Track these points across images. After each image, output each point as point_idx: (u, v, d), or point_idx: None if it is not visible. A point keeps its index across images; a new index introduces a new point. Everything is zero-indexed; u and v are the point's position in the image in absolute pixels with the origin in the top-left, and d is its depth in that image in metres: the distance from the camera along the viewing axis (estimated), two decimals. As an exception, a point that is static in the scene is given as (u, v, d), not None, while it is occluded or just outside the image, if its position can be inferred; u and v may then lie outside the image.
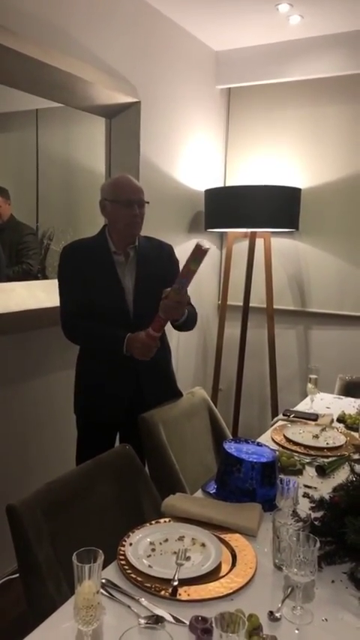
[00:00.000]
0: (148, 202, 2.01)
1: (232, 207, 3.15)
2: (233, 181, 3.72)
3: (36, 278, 3.00)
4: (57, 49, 2.26)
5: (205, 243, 1.81)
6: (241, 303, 3.42)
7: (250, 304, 3.40)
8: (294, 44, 3.28)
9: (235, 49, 3.46)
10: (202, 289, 3.62)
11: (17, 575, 1.24)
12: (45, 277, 3.03)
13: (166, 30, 3.01)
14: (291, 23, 3.01)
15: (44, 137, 3.52)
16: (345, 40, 3.15)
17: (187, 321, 2.04)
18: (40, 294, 2.48)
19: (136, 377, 2.03)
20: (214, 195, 3.27)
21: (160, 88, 3.00)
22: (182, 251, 3.34)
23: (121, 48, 2.65)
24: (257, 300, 3.50)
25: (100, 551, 0.94)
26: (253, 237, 3.34)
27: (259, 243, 3.40)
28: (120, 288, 2.01)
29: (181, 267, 1.93)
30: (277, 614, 1.03)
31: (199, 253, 1.80)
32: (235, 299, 3.52)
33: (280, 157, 3.56)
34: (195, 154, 3.40)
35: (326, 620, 1.04)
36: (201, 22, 3.08)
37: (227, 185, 3.72)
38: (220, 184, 3.72)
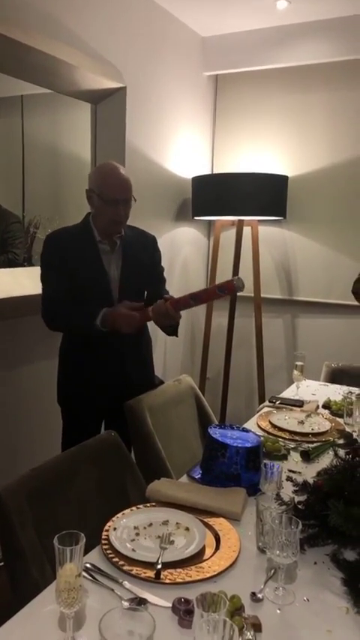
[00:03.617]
0: (135, 200, 1.99)
1: (219, 195, 3.14)
2: (221, 169, 3.70)
3: (22, 266, 2.97)
4: (42, 33, 2.22)
5: (241, 283, 1.77)
6: (228, 292, 3.41)
7: (238, 293, 3.39)
8: (281, 30, 3.26)
9: (222, 34, 3.43)
10: (189, 278, 3.61)
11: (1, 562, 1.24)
12: (31, 265, 3.01)
13: (153, 15, 2.97)
14: (278, 8, 2.99)
15: (30, 124, 3.47)
16: (332, 27, 3.13)
17: (175, 330, 2.05)
18: (25, 281, 2.46)
19: (121, 364, 2.02)
20: (202, 183, 3.26)
21: (147, 73, 2.96)
22: (170, 239, 3.35)
23: (106, 32, 2.62)
24: (245, 288, 3.49)
25: (82, 534, 0.94)
26: (240, 226, 3.33)
27: (247, 231, 3.39)
28: (106, 277, 1.99)
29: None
30: (260, 595, 1.04)
31: (229, 287, 1.76)
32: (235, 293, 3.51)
33: (267, 144, 3.55)
34: (182, 141, 3.38)
35: (308, 600, 1.05)
36: (188, 8, 3.04)
37: (215, 173, 3.71)
38: (208, 172, 3.71)
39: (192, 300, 1.81)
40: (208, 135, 3.70)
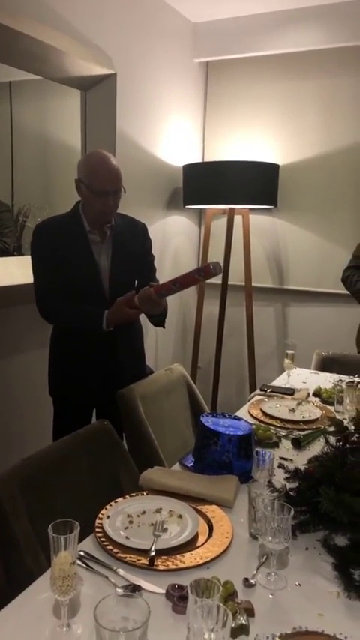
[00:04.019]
0: (125, 191, 1.97)
1: (210, 183, 3.13)
2: (212, 157, 3.68)
3: (12, 255, 2.95)
4: (30, 18, 2.19)
5: (218, 266, 1.78)
6: (219, 281, 3.42)
7: (229, 282, 3.40)
8: (273, 16, 3.23)
9: (213, 20, 3.39)
10: (181, 267, 3.60)
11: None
12: (21, 254, 2.98)
13: (143, 0, 2.93)
14: (270, -6, 2.96)
15: (18, 111, 3.42)
16: (324, 13, 3.11)
17: (164, 319, 2.05)
18: (16, 270, 2.44)
19: (113, 353, 2.02)
20: (193, 171, 3.24)
21: (137, 60, 2.93)
22: (161, 228, 3.34)
23: (96, 17, 2.58)
24: (236, 277, 3.50)
25: (77, 523, 0.94)
26: (231, 214, 3.32)
27: (238, 220, 3.39)
28: (96, 267, 1.98)
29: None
30: (252, 581, 1.05)
31: (206, 270, 1.78)
32: (214, 277, 3.51)
33: (258, 132, 3.53)
34: (173, 129, 3.35)
35: (300, 584, 1.06)
36: (178, -8, 3.01)
37: (206, 161, 3.69)
38: (199, 160, 3.69)
39: (174, 285, 1.82)
40: (199, 122, 3.67)
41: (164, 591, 1.02)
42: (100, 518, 1.24)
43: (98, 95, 2.79)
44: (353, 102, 3.26)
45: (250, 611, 0.96)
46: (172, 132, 3.34)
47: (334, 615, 0.98)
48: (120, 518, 1.26)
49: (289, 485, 1.29)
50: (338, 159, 3.33)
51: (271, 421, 1.89)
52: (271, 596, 1.03)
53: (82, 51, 2.47)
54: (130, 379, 2.00)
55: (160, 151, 3.25)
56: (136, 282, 2.12)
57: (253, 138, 3.54)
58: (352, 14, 3.05)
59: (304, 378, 2.45)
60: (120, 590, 1.00)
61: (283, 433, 1.79)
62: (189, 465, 1.55)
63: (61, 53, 2.35)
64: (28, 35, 2.15)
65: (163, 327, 2.13)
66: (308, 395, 2.20)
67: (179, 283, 1.82)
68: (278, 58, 3.38)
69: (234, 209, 3.31)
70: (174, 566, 1.09)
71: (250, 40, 3.32)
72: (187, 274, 1.81)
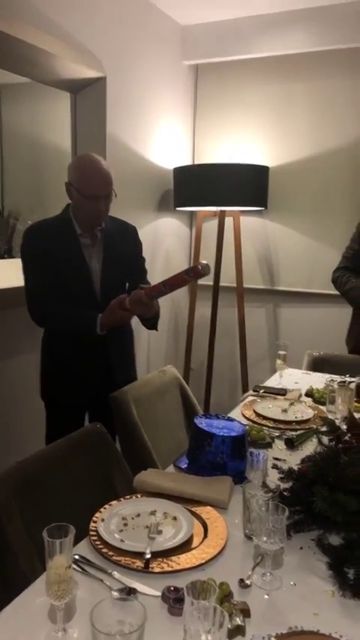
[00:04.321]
0: (116, 195, 1.96)
1: (201, 185, 3.14)
2: (202, 159, 3.70)
3: (2, 258, 2.94)
4: (20, 21, 2.18)
5: (206, 267, 1.79)
6: (211, 283, 3.43)
7: (221, 283, 3.41)
8: (262, 19, 3.25)
9: (202, 23, 3.41)
10: (172, 269, 3.60)
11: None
12: (11, 257, 2.98)
13: (132, 3, 2.94)
14: (258, -3, 2.98)
15: (8, 113, 3.42)
16: (312, 16, 3.13)
17: (156, 322, 2.05)
18: (7, 273, 2.43)
19: (104, 356, 2.02)
20: (183, 174, 3.25)
21: (126, 63, 2.93)
22: (152, 231, 3.34)
23: (86, 21, 2.58)
24: (227, 279, 3.51)
25: (72, 527, 0.94)
26: (222, 216, 3.33)
27: (229, 222, 3.40)
28: (87, 270, 1.98)
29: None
30: (248, 581, 1.06)
31: (195, 271, 1.78)
32: (206, 278, 3.47)
33: (248, 134, 3.55)
34: (163, 131, 3.36)
35: (295, 584, 1.07)
36: (167, -5, 3.02)
37: (196, 163, 3.70)
38: (189, 162, 3.70)
39: (164, 287, 1.83)
40: (189, 125, 3.68)
41: (160, 594, 1.02)
42: (95, 522, 1.23)
43: (88, 98, 2.79)
44: (342, 104, 3.29)
45: (245, 612, 0.96)
46: (162, 134, 3.35)
47: (329, 614, 0.99)
48: (114, 521, 1.25)
49: (282, 486, 1.30)
50: (327, 161, 3.35)
51: (263, 422, 1.90)
52: (266, 596, 1.04)
53: (72, 54, 2.47)
54: (121, 382, 2.00)
55: (150, 153, 3.25)
56: (127, 284, 2.12)
57: (243, 140, 3.56)
58: (340, 17, 3.07)
59: (295, 379, 2.46)
60: (115, 594, 1.00)
61: (276, 433, 1.80)
62: (183, 467, 1.55)
63: (51, 56, 2.35)
64: (18, 38, 2.15)
65: (156, 330, 2.13)
66: (300, 395, 2.21)
67: (169, 285, 1.83)
68: (268, 60, 3.39)
69: (225, 211, 3.32)
70: (169, 569, 1.09)
71: (240, 42, 3.34)
72: (176, 275, 1.82)
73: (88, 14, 2.59)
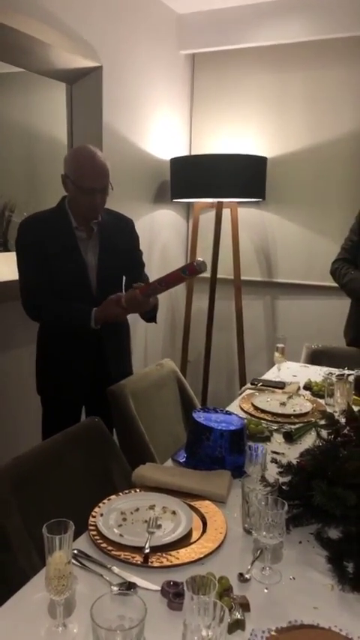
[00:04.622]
0: (112, 188, 1.94)
1: (198, 176, 3.12)
2: (199, 150, 3.67)
3: (-2, 251, 2.92)
4: (15, 10, 2.15)
5: (202, 264, 1.77)
6: (208, 275, 3.42)
7: (218, 276, 3.40)
8: (259, 8, 3.22)
9: (199, 12, 3.37)
10: (169, 261, 3.59)
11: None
12: (7, 250, 2.95)
13: (128, -9, 2.90)
14: (256, -14, 2.95)
15: (2, 104, 3.38)
16: (311, 5, 3.10)
17: (154, 316, 2.04)
18: (2, 267, 2.42)
19: (99, 350, 2.01)
20: (180, 165, 3.23)
21: (122, 52, 2.90)
22: (149, 222, 3.32)
23: (81, 9, 2.55)
24: (224, 271, 3.50)
25: (71, 522, 0.94)
26: (219, 208, 3.31)
27: (226, 213, 3.38)
28: (83, 264, 1.96)
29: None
30: (247, 576, 1.06)
31: (190, 268, 1.77)
32: (199, 274, 3.50)
33: (245, 125, 3.52)
34: (159, 122, 3.33)
35: (294, 578, 1.07)
36: (163, -17, 2.98)
37: (193, 154, 3.67)
38: (186, 153, 3.67)
39: (159, 284, 1.82)
40: (186, 115, 3.65)
41: (159, 588, 1.02)
42: (94, 516, 1.23)
43: (84, 88, 2.76)
44: (340, 94, 3.26)
45: (245, 606, 0.97)
46: (158, 125, 3.32)
47: (329, 608, 0.99)
48: (113, 515, 1.25)
49: (281, 479, 1.30)
50: (325, 151, 3.33)
51: (262, 415, 1.90)
52: (265, 590, 1.04)
53: (67, 43, 2.44)
54: (116, 376, 1.99)
55: (147, 144, 3.23)
56: (124, 278, 2.11)
57: (241, 130, 3.53)
58: (338, 6, 3.04)
59: (294, 372, 2.46)
60: (115, 589, 1.00)
61: (275, 427, 1.80)
62: (181, 461, 1.55)
63: (46, 46, 2.32)
64: (13, 28, 2.12)
65: (155, 323, 2.12)
66: (299, 388, 2.21)
67: (164, 282, 1.81)
68: (265, 50, 3.36)
69: (222, 202, 3.30)
70: (169, 563, 1.09)
71: (236, 31, 3.30)
72: (172, 273, 1.81)
73: (84, 3, 2.56)
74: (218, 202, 3.30)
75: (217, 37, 3.36)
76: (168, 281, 1.81)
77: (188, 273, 1.79)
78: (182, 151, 3.62)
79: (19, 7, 2.19)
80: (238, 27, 3.29)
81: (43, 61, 2.48)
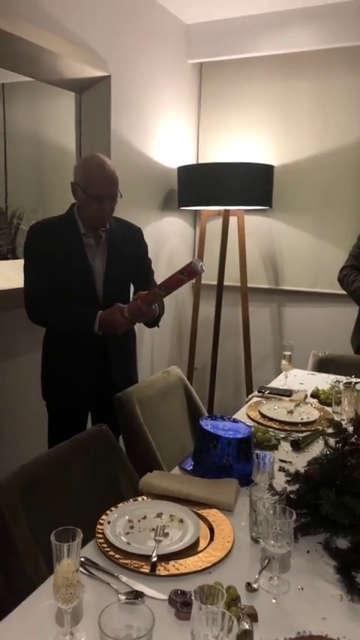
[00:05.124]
0: (121, 196, 1.95)
1: (205, 185, 3.13)
2: (206, 158, 3.69)
3: (5, 258, 2.94)
4: (25, 20, 2.18)
5: (200, 265, 1.77)
6: (215, 282, 3.42)
7: (225, 283, 3.40)
8: (267, 17, 3.24)
9: (207, 22, 3.39)
10: (175, 268, 3.58)
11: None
12: (15, 257, 2.97)
13: (137, 2, 2.93)
14: (263, -4, 2.97)
15: (11, 113, 3.41)
16: (317, 14, 3.12)
17: (157, 321, 2.04)
18: (11, 274, 2.43)
19: (105, 358, 2.02)
20: (187, 173, 3.24)
21: (131, 62, 2.93)
22: (156, 230, 3.33)
23: (90, 20, 2.57)
24: (231, 278, 3.50)
25: (79, 530, 0.94)
26: (226, 216, 3.32)
27: (233, 221, 3.39)
28: (90, 271, 1.97)
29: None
30: (255, 585, 1.05)
31: (189, 270, 1.76)
32: (210, 278, 3.52)
33: (252, 133, 3.54)
34: (167, 130, 3.35)
35: (302, 588, 1.06)
36: (171, -6, 3.01)
37: (200, 162, 3.69)
38: (193, 161, 3.69)
39: (160, 290, 1.82)
40: (193, 124, 3.67)
41: (167, 597, 1.01)
42: (101, 524, 1.23)
43: (93, 97, 2.78)
44: (347, 102, 3.27)
45: (253, 617, 0.96)
46: (166, 133, 3.34)
47: (338, 619, 0.98)
48: (121, 523, 1.25)
49: (289, 488, 1.29)
50: (332, 160, 3.34)
51: (269, 423, 1.89)
52: (273, 600, 1.03)
53: (76, 53, 2.46)
54: (119, 384, 1.99)
55: (154, 152, 3.24)
56: (132, 286, 2.11)
57: (248, 139, 3.55)
58: (345, 15, 3.06)
59: (301, 379, 2.45)
60: (123, 597, 0.99)
61: (282, 435, 1.79)
62: (188, 469, 1.54)
63: (55, 55, 2.34)
64: (22, 37, 2.14)
65: (158, 327, 2.12)
66: (306, 396, 2.20)
67: (165, 287, 1.82)
68: (271, 59, 3.38)
69: (229, 210, 3.31)
70: (176, 572, 1.09)
71: (244, 41, 3.32)
72: (171, 277, 1.81)
73: (92, 13, 2.58)
74: (225, 210, 3.31)
75: (225, 46, 3.39)
76: (168, 285, 1.81)
77: (187, 274, 1.79)
78: (190, 160, 3.63)
79: (29, 17, 2.22)
80: (245, 37, 3.31)
81: (53, 71, 2.50)
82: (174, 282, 1.80)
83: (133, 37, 2.92)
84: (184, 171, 3.25)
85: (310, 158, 3.39)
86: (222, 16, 3.31)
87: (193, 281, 3.69)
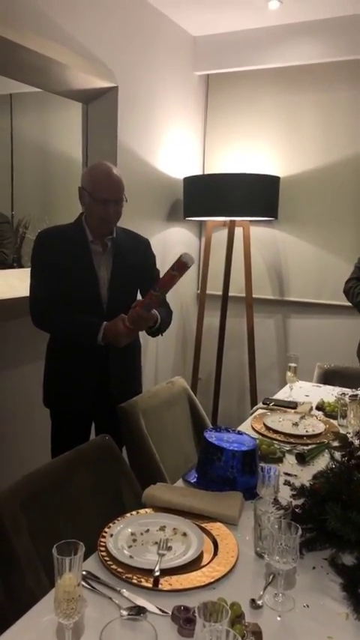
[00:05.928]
0: (126, 200, 1.97)
1: (211, 195, 3.13)
2: (212, 169, 3.69)
3: (11, 267, 2.94)
4: (33, 31, 2.19)
5: (189, 258, 1.78)
6: (220, 293, 3.41)
7: (230, 293, 3.40)
8: (273, 30, 3.26)
9: (214, 34, 3.42)
10: (181, 279, 3.59)
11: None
12: (21, 266, 2.98)
13: (144, 14, 2.95)
14: (270, 9, 2.99)
15: (19, 123, 3.44)
16: (324, 27, 3.14)
17: (160, 328, 2.02)
18: (16, 282, 2.43)
19: (105, 369, 2.01)
20: (193, 184, 3.25)
21: (138, 73, 2.94)
22: (161, 240, 3.33)
23: (98, 31, 2.59)
24: (236, 289, 3.49)
25: (81, 544, 0.92)
26: (232, 226, 3.32)
27: (238, 232, 3.39)
28: (95, 278, 1.97)
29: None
30: (259, 602, 1.03)
31: (179, 264, 1.78)
32: (215, 288, 3.51)
33: (259, 144, 3.55)
34: (173, 141, 3.36)
35: (308, 606, 1.04)
36: (179, 7, 3.03)
37: (206, 173, 3.70)
38: (199, 172, 3.70)
39: (154, 291, 1.83)
40: (200, 135, 3.69)
41: (169, 613, 0.99)
42: (104, 537, 1.21)
43: (100, 108, 2.79)
44: (352, 114, 3.28)
45: (257, 635, 0.94)
46: (172, 144, 3.35)
47: (344, 638, 0.96)
48: (123, 536, 1.23)
49: (294, 502, 1.27)
50: (338, 171, 3.34)
51: (274, 435, 1.87)
52: (278, 618, 1.01)
53: (83, 64, 2.48)
54: (116, 395, 1.98)
55: (160, 163, 3.26)
56: (139, 296, 2.11)
57: (254, 150, 3.56)
58: (350, 28, 3.07)
59: (306, 391, 2.43)
60: (125, 613, 0.97)
61: (287, 448, 1.77)
62: (192, 481, 1.53)
63: (62, 66, 2.36)
64: (30, 48, 2.16)
65: (161, 335, 2.11)
66: (311, 409, 2.18)
67: (159, 287, 1.83)
68: (278, 71, 3.40)
69: (234, 221, 3.31)
70: (179, 586, 1.07)
71: (250, 53, 3.34)
72: (163, 276, 1.83)
73: (100, 24, 2.61)
74: (231, 221, 3.31)
75: (232, 58, 3.41)
76: (161, 284, 1.82)
77: (177, 269, 1.80)
78: (195, 170, 3.64)
79: (37, 28, 2.23)
80: (251, 49, 3.33)
81: (60, 82, 2.52)
82: (167, 279, 1.82)
83: (140, 49, 2.95)
84: (190, 182, 3.26)
85: (316, 170, 3.40)
86: (229, 28, 3.33)
87: (198, 291, 3.69)
